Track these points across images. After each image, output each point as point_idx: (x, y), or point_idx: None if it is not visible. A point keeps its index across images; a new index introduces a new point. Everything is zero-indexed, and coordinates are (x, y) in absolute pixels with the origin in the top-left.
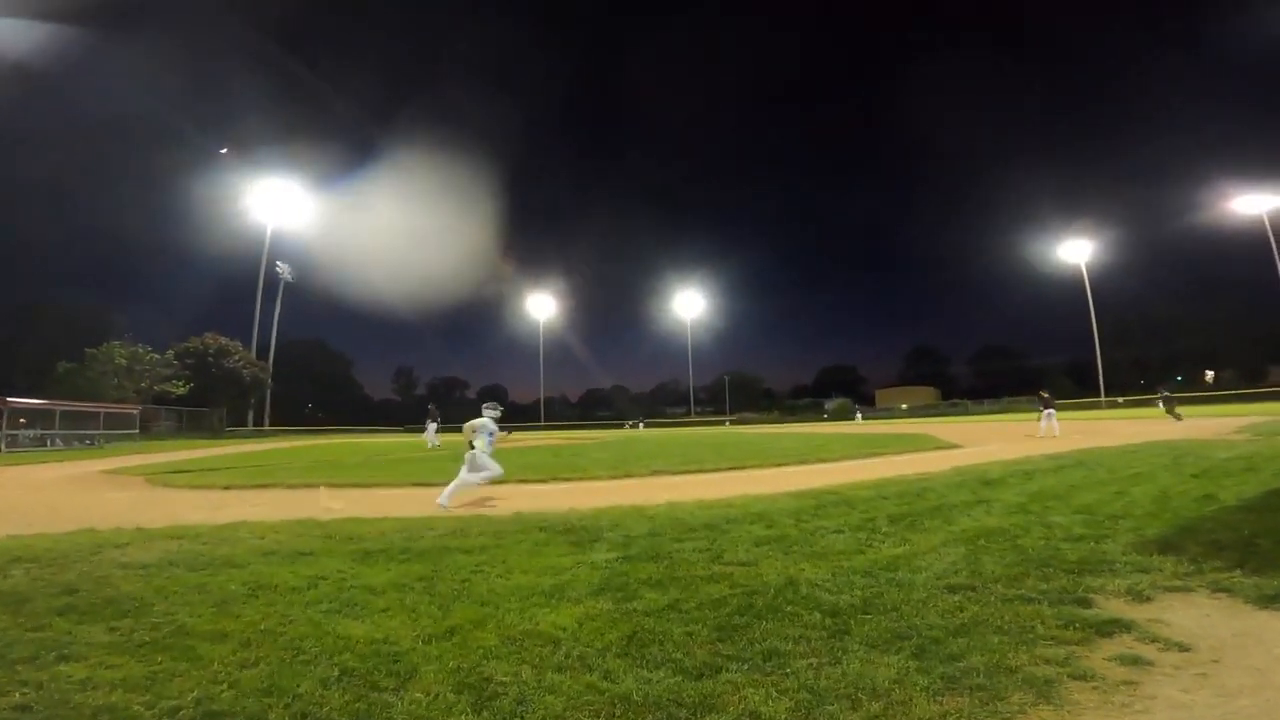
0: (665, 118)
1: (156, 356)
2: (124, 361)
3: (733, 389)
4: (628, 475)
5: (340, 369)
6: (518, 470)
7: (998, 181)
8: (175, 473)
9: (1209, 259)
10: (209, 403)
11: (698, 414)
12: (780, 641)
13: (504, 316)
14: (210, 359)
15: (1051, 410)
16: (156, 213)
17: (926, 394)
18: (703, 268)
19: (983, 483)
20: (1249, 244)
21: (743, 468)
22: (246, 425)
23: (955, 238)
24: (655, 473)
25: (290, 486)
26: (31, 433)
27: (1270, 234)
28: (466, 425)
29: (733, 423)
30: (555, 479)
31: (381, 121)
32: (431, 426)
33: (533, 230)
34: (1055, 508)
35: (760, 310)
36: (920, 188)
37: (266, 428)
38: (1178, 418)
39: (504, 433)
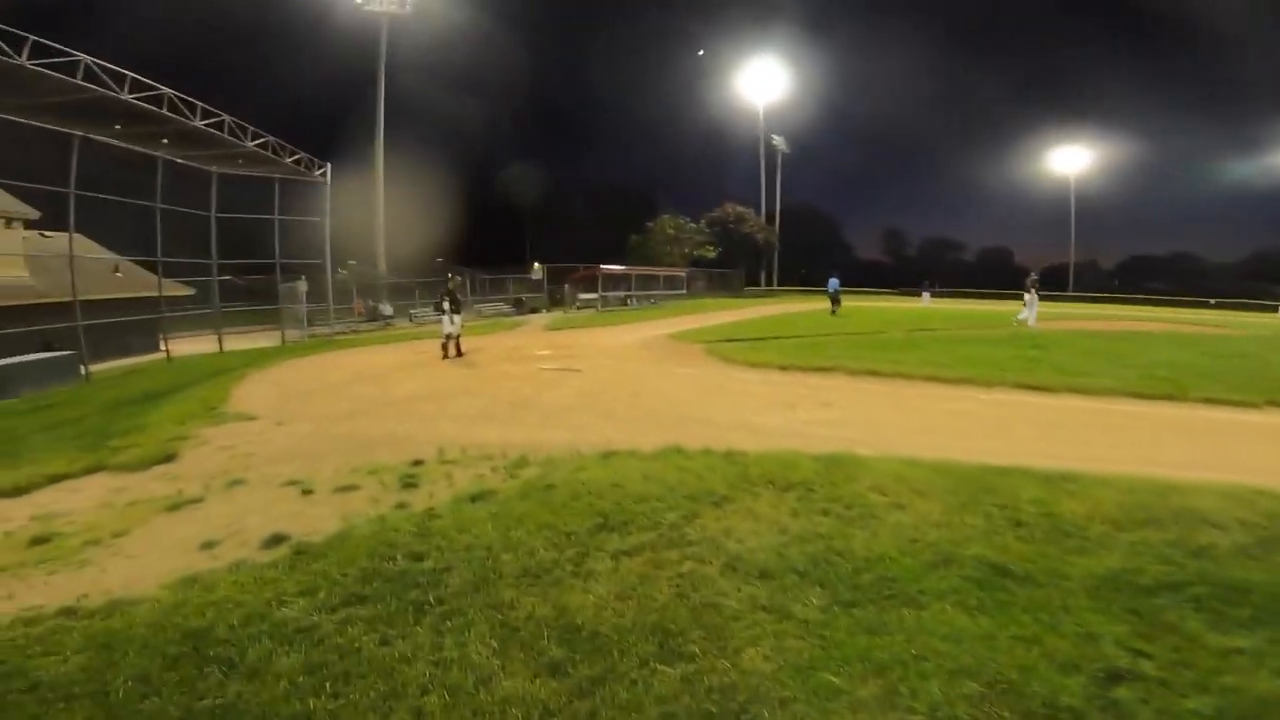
0: None
1: (693, 226)
2: (672, 231)
3: None
4: None
5: (830, 231)
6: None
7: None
8: (726, 341)
9: None
10: (730, 264)
11: None
12: None
13: (1010, 171)
14: (731, 226)
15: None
16: (669, 102)
17: None
18: None
19: None
20: None
21: None
22: (759, 285)
23: None
24: None
25: (852, 373)
26: (619, 294)
27: None
28: None
29: None
30: None
31: None
32: (1029, 299)
33: (1042, 72)
34: None
35: None
36: None
37: (775, 287)
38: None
39: None
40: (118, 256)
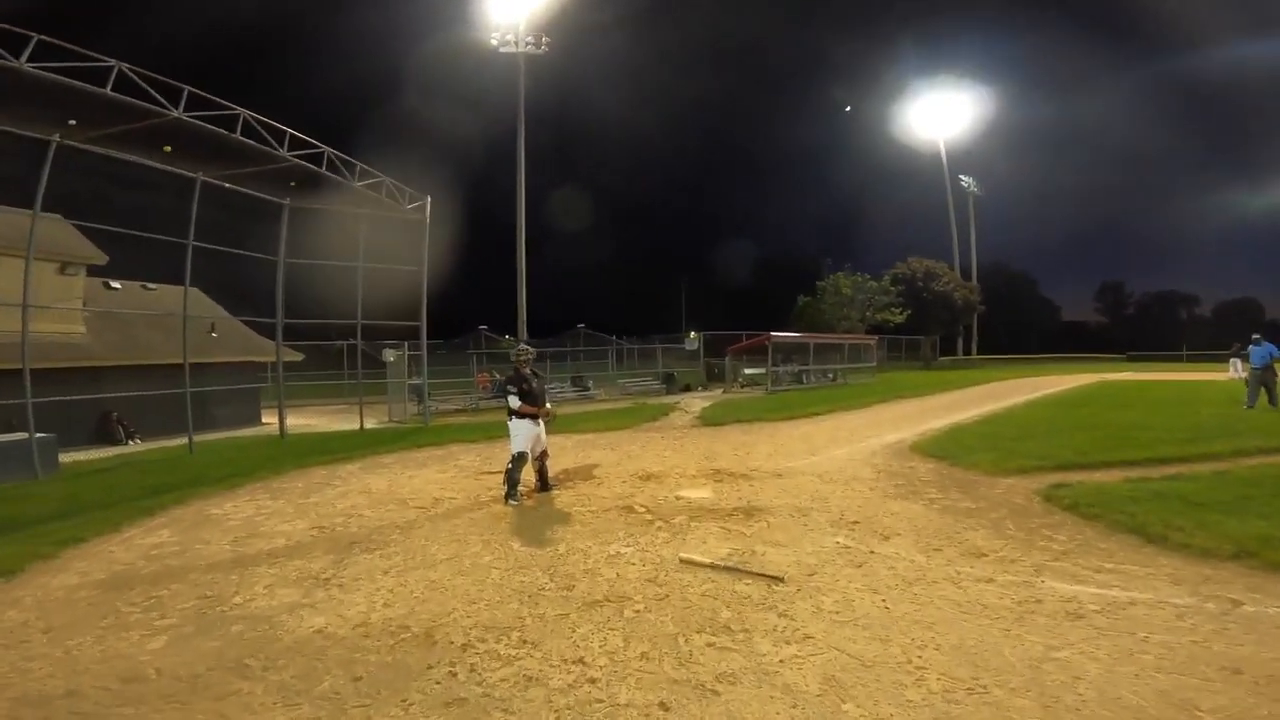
0: None
1: (875, 284)
2: (849, 291)
3: None
4: None
5: (1024, 289)
6: None
7: None
8: (1063, 469)
9: None
10: (921, 330)
11: None
12: None
13: (1254, 206)
14: (919, 284)
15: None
16: (836, 148)
17: None
18: None
19: None
20: None
21: None
22: (954, 354)
23: None
24: None
25: None
26: (789, 369)
27: None
28: None
29: None
30: None
31: None
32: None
33: None
34: None
35: None
36: None
37: (974, 356)
38: None
39: None
40: (227, 314)
